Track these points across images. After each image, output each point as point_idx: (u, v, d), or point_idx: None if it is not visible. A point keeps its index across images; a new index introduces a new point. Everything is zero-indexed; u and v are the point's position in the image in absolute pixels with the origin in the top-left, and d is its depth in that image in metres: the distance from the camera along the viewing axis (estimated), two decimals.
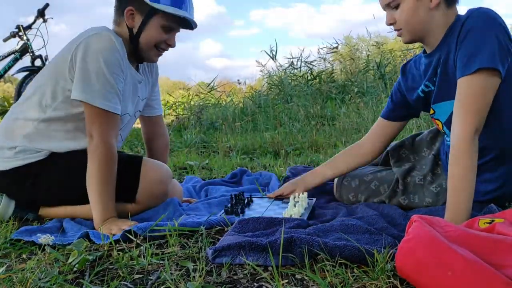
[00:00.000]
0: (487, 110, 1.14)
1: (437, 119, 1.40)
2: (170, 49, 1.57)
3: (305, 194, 1.51)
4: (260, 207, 1.53)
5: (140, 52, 1.52)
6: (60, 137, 1.48)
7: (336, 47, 6.18)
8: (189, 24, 1.54)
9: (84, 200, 1.45)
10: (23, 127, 1.47)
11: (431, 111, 1.40)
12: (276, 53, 5.92)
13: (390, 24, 1.32)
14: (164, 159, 1.82)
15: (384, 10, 1.33)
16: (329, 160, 1.66)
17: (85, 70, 1.36)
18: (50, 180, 1.48)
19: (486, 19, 1.16)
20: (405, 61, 1.57)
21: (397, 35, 1.35)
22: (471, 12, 1.21)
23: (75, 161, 1.46)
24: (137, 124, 1.89)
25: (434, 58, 1.31)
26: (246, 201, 1.54)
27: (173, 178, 1.68)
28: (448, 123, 1.34)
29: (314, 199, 1.55)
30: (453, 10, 1.28)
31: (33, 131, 1.47)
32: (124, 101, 1.50)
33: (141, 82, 1.61)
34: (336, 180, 1.67)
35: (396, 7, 1.28)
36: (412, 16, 1.26)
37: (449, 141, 1.22)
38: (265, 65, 6.23)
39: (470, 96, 1.13)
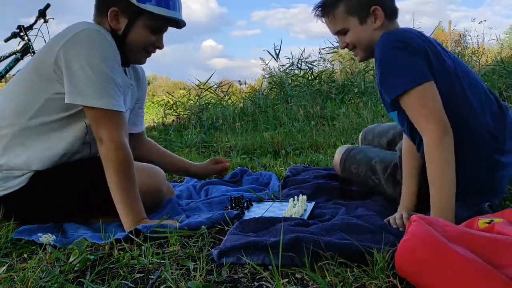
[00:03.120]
0: (440, 109, 1.16)
1: None
2: (166, 50, 1.54)
3: (304, 196, 1.51)
4: (260, 209, 1.53)
5: (127, 54, 1.44)
6: (37, 145, 1.37)
7: (336, 47, 6.17)
8: (177, 23, 1.48)
9: (76, 214, 1.42)
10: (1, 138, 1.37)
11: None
12: (279, 52, 5.93)
13: (344, 48, 1.41)
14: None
15: (336, 36, 1.42)
16: (407, 175, 1.43)
17: (82, 70, 1.27)
18: (37, 205, 1.39)
19: (385, 49, 1.23)
20: None
21: (354, 55, 1.45)
22: (379, 40, 1.27)
23: (57, 179, 1.39)
24: None
25: None
26: (245, 204, 1.55)
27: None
28: (402, 131, 1.42)
29: (313, 202, 1.56)
30: (394, 24, 1.36)
31: (11, 140, 1.36)
32: None
33: (130, 87, 1.52)
34: (342, 152, 1.72)
35: (345, 33, 1.37)
36: (360, 39, 1.35)
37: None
38: (267, 64, 6.25)
39: (413, 110, 1.19)
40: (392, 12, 1.35)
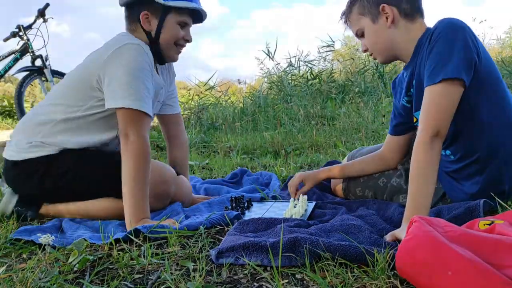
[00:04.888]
0: (449, 115, 1.18)
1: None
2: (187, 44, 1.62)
3: (305, 196, 1.52)
4: (260, 209, 1.53)
5: (161, 52, 1.56)
6: (76, 133, 1.51)
7: (332, 46, 6.16)
8: (199, 17, 1.61)
9: (89, 196, 1.50)
10: (44, 127, 1.51)
11: (414, 119, 1.43)
12: (274, 52, 5.93)
13: (365, 51, 1.42)
14: (186, 164, 1.85)
15: (358, 39, 1.44)
16: (347, 163, 1.67)
17: (122, 77, 1.39)
18: (58, 175, 1.49)
19: (451, 30, 1.20)
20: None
21: (373, 59, 1.45)
22: (438, 23, 1.25)
23: (85, 157, 1.50)
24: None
25: (409, 71, 1.37)
26: (246, 204, 1.55)
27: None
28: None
29: (314, 202, 1.55)
30: (417, 24, 1.34)
31: (53, 128, 1.50)
32: None
33: (162, 88, 1.64)
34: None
35: (362, 35, 1.39)
36: (375, 39, 1.37)
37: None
38: (262, 62, 6.24)
39: (431, 103, 1.18)
40: (411, 12, 1.32)
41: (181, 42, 1.58)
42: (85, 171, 1.50)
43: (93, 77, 1.45)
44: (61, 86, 1.57)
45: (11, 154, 1.53)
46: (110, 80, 1.41)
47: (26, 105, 4.72)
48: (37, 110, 1.58)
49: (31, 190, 1.54)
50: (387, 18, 1.32)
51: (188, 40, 1.60)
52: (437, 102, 1.17)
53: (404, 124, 1.51)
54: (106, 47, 1.47)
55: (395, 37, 1.34)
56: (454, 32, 1.19)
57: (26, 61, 4.51)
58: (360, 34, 1.41)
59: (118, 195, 1.45)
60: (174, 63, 1.74)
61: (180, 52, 1.62)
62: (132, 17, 1.55)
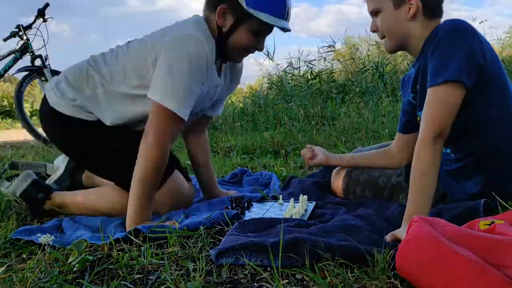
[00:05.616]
0: (451, 117, 1.17)
1: None
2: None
3: (305, 196, 1.51)
4: (260, 210, 1.53)
5: (226, 52, 1.47)
6: (113, 107, 1.48)
7: (333, 46, 6.16)
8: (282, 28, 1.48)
9: (104, 170, 1.54)
10: (94, 86, 1.47)
11: (418, 119, 1.43)
12: (274, 52, 5.93)
13: (374, 31, 1.38)
14: (209, 163, 1.82)
15: (371, 16, 1.39)
16: (357, 154, 1.69)
17: (169, 71, 1.33)
18: (86, 139, 1.51)
19: (456, 31, 1.20)
20: (405, 61, 1.59)
21: (381, 39, 1.40)
22: (442, 24, 1.24)
23: (116, 132, 1.49)
24: None
25: (416, 67, 1.36)
26: (246, 204, 1.55)
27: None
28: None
29: (314, 203, 1.55)
30: (434, 23, 1.31)
31: (100, 96, 1.47)
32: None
33: (218, 86, 1.55)
34: (342, 176, 1.67)
35: (376, 14, 1.34)
36: (391, 25, 1.32)
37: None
38: (262, 62, 6.24)
39: (433, 104, 1.18)
40: (433, 10, 1.30)
41: (250, 49, 1.48)
42: (111, 144, 1.49)
43: (148, 60, 1.39)
44: (123, 53, 1.49)
45: (54, 99, 1.50)
46: (160, 69, 1.35)
47: (25, 105, 4.72)
48: (98, 62, 1.50)
49: (57, 140, 1.58)
50: (409, 9, 1.29)
51: (259, 49, 1.48)
52: (439, 103, 1.17)
53: (412, 123, 1.50)
54: (173, 28, 1.41)
55: (411, 31, 1.31)
56: (458, 34, 1.19)
57: (25, 61, 4.51)
58: (374, 13, 1.35)
59: (125, 185, 1.43)
60: None
61: (246, 56, 1.52)
62: (211, 3, 1.43)
